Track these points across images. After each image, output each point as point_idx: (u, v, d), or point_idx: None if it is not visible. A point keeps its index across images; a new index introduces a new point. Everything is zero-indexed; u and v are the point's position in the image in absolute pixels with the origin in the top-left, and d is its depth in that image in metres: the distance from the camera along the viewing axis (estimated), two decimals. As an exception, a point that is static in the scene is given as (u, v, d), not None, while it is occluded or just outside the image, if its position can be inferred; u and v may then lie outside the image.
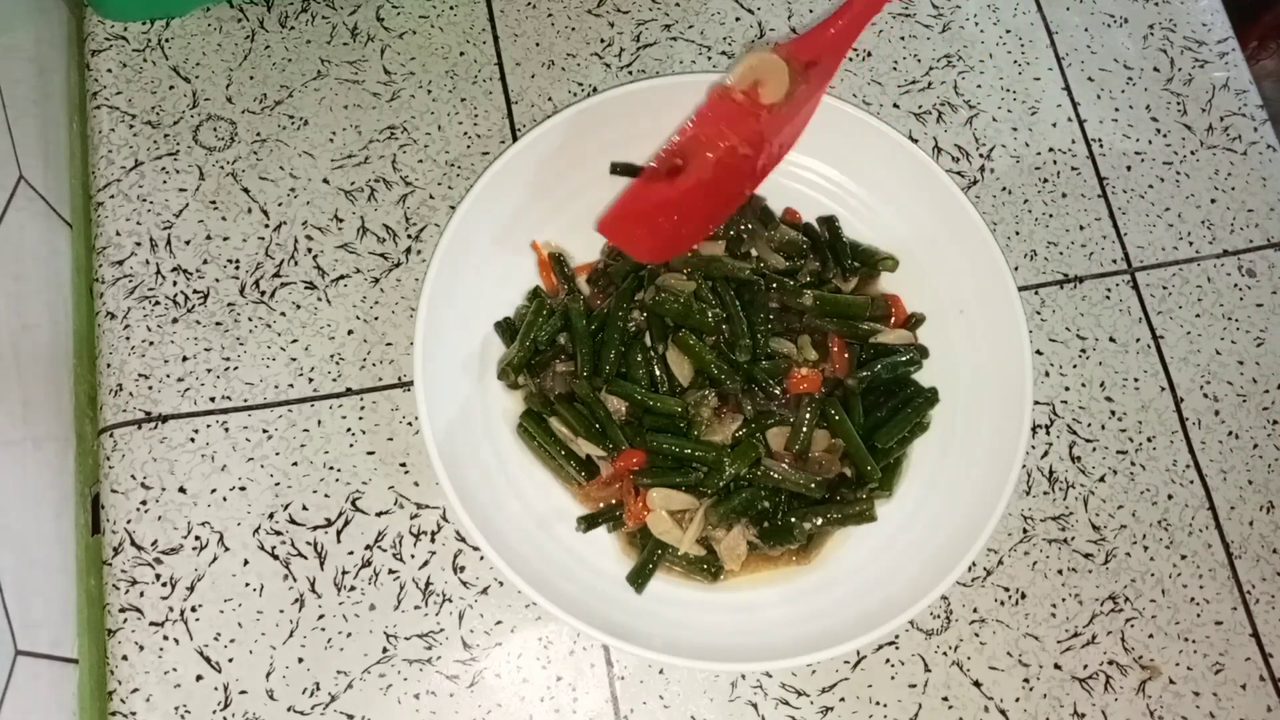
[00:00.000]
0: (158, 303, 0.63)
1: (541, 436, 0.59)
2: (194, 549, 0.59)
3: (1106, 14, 0.76)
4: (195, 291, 0.64)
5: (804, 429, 0.58)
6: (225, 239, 0.65)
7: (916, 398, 0.62)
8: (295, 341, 0.63)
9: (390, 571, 0.59)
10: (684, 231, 0.61)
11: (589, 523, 0.59)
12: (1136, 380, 0.67)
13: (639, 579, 0.58)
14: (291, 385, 0.62)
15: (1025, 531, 0.63)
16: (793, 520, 0.58)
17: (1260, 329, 0.69)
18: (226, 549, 0.59)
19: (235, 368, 0.62)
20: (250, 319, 0.63)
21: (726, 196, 0.62)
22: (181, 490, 0.60)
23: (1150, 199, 0.71)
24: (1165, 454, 0.65)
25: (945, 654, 0.60)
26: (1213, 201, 0.71)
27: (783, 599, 0.59)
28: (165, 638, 0.57)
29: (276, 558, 0.59)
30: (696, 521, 0.58)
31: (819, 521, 0.58)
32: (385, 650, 0.58)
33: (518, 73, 0.70)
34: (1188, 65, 0.75)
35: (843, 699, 0.59)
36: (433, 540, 0.60)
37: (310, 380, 0.62)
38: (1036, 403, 0.65)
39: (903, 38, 0.73)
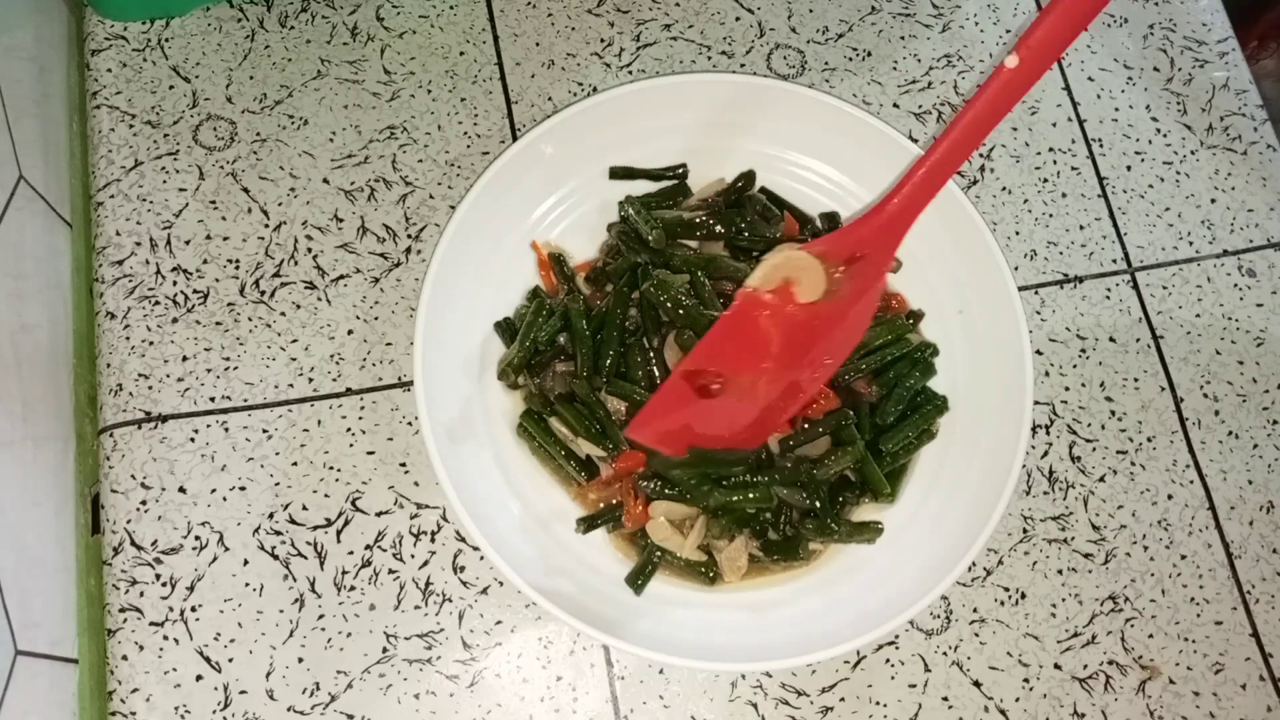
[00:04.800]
0: (158, 303, 0.63)
1: (541, 436, 0.59)
2: (194, 549, 0.59)
3: (1106, 14, 0.76)
4: (195, 291, 0.64)
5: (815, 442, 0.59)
6: (225, 239, 0.65)
7: (925, 405, 0.61)
8: (295, 341, 0.63)
9: (390, 571, 0.59)
10: (733, 439, 0.56)
11: (588, 524, 0.59)
12: (1136, 380, 0.67)
13: (638, 580, 0.58)
14: (291, 385, 0.62)
15: (1025, 531, 0.63)
16: (800, 535, 0.58)
17: (1260, 329, 0.69)
18: (226, 549, 0.59)
19: (235, 368, 0.62)
20: (250, 319, 0.63)
21: (772, 416, 0.56)
22: (181, 490, 0.60)
23: (1150, 199, 0.71)
24: (1165, 454, 0.65)
25: (945, 654, 0.60)
26: (1213, 201, 0.71)
27: (782, 599, 0.59)
28: (165, 638, 0.57)
29: (276, 558, 0.59)
30: (697, 529, 0.58)
31: (825, 544, 0.59)
32: (385, 650, 0.58)
33: (518, 73, 0.70)
34: (1188, 65, 0.75)
35: (843, 699, 0.59)
36: (433, 540, 0.60)
37: (310, 380, 0.62)
38: (1036, 403, 0.65)
39: (903, 38, 0.73)
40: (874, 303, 0.57)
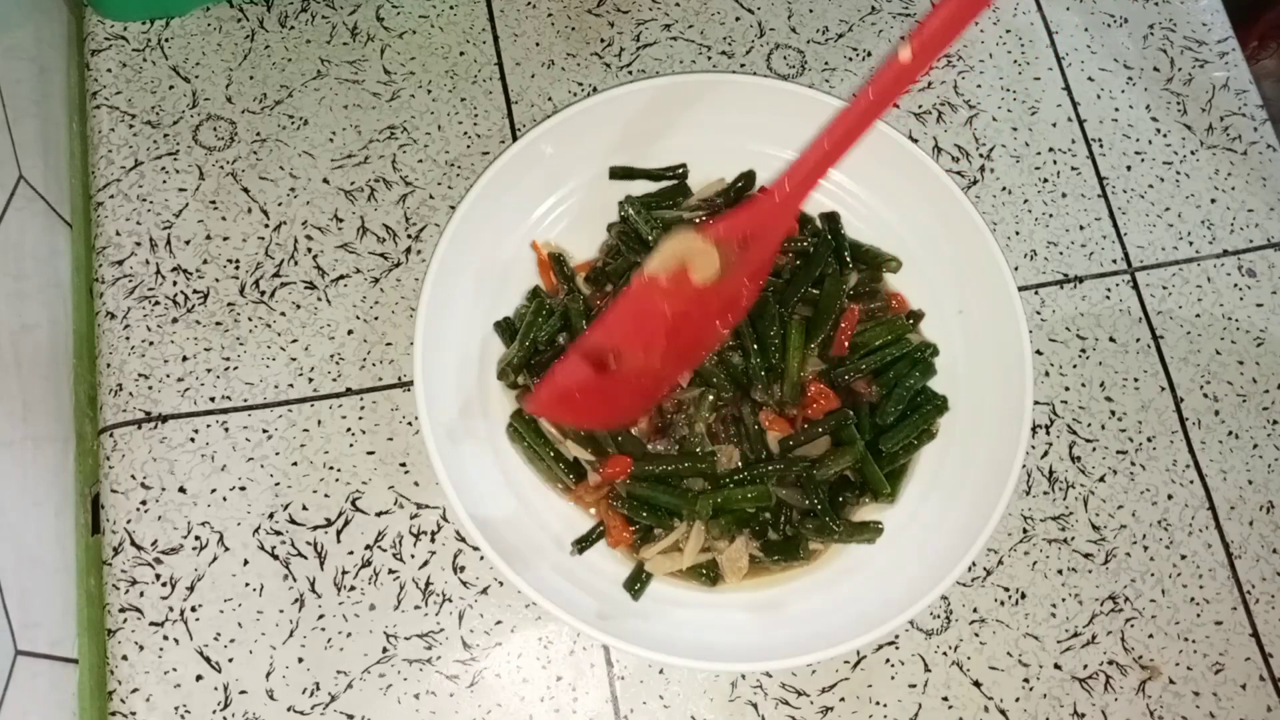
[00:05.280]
0: (158, 303, 0.63)
1: (531, 437, 0.59)
2: (194, 549, 0.59)
3: (1106, 14, 0.76)
4: (195, 291, 0.64)
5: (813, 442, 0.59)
6: (225, 239, 0.65)
7: (926, 405, 0.61)
8: (295, 341, 0.63)
9: (390, 571, 0.59)
10: (624, 406, 0.59)
11: (582, 546, 0.58)
12: (1136, 380, 0.67)
13: (635, 585, 0.58)
14: (291, 385, 0.62)
15: (1025, 531, 0.63)
16: (800, 535, 0.58)
17: (1260, 329, 0.69)
18: (226, 549, 0.59)
19: (235, 368, 0.62)
20: (250, 319, 0.63)
21: (659, 385, 0.59)
22: (181, 490, 0.60)
23: (1150, 199, 0.71)
24: (1165, 454, 0.65)
25: (945, 654, 0.60)
26: (1213, 201, 0.71)
27: (782, 599, 0.59)
28: (165, 638, 0.57)
29: (276, 558, 0.59)
30: (693, 540, 0.57)
31: (825, 544, 0.59)
32: (385, 650, 0.58)
33: (518, 73, 0.70)
34: (1188, 65, 0.75)
35: (843, 699, 0.59)
36: (433, 540, 0.60)
37: (310, 380, 0.62)
38: (1036, 403, 0.65)
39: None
40: (762, 276, 0.58)
